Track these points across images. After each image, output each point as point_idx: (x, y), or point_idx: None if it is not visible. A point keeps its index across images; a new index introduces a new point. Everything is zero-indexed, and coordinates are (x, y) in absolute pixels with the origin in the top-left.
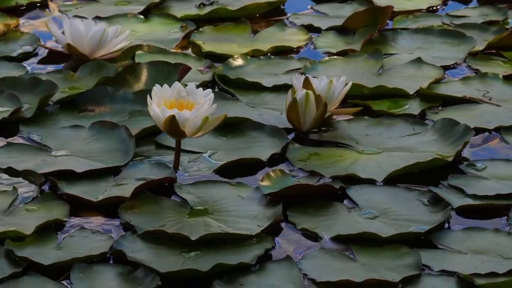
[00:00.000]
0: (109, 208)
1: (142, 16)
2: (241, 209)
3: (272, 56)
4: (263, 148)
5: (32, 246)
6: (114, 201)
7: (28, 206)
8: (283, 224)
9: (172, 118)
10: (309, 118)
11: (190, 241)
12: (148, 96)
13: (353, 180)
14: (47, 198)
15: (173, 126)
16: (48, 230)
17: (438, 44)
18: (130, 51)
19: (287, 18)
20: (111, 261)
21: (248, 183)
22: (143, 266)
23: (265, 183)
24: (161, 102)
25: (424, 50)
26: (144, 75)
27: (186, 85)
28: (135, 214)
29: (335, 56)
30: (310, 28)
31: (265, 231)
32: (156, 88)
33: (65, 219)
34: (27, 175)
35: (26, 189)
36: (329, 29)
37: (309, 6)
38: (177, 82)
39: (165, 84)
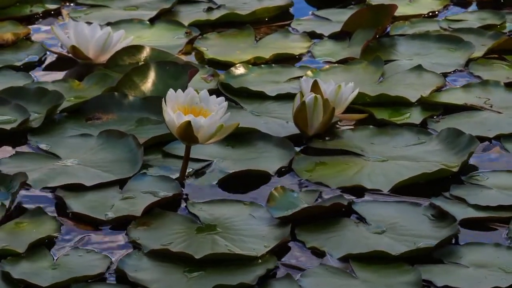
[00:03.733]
0: (116, 225)
1: (148, 22)
2: (250, 228)
3: (273, 65)
4: (270, 160)
5: (27, 265)
6: (124, 219)
7: (18, 220)
8: (291, 243)
9: (188, 124)
10: (317, 122)
11: (195, 260)
12: (163, 100)
13: (359, 190)
14: (37, 213)
15: (188, 132)
16: (41, 247)
17: (436, 50)
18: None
19: (290, 25)
20: (110, 280)
21: (253, 195)
22: (141, 287)
23: (271, 204)
24: (174, 107)
25: (423, 56)
26: (152, 76)
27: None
28: (144, 231)
29: (336, 64)
30: (312, 35)
31: (271, 252)
32: (170, 93)
33: (56, 235)
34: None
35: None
36: (331, 36)
37: (310, 12)
38: (190, 88)
39: (179, 90)
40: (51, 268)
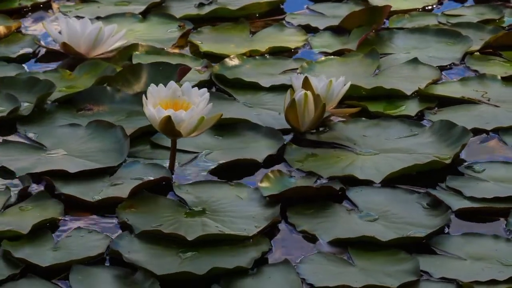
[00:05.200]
0: (105, 207)
1: (140, 16)
2: (239, 209)
3: (267, 56)
4: (259, 149)
5: (28, 246)
6: (111, 201)
7: (22, 205)
8: (282, 226)
9: (168, 118)
10: (308, 119)
11: (187, 241)
12: (143, 96)
13: (351, 181)
14: (41, 197)
15: (169, 127)
16: (44, 230)
17: (434, 44)
18: (126, 51)
19: (284, 19)
20: (108, 262)
21: (243, 183)
22: (140, 268)
23: (264, 184)
24: (157, 102)
25: (420, 50)
26: (145, 75)
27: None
28: (132, 214)
29: (332, 56)
30: (307, 28)
31: (263, 232)
32: (152, 88)
33: (60, 218)
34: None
35: (20, 188)
36: (326, 29)
37: (305, 6)
38: (172, 82)
39: (161, 84)
40: (52, 250)
